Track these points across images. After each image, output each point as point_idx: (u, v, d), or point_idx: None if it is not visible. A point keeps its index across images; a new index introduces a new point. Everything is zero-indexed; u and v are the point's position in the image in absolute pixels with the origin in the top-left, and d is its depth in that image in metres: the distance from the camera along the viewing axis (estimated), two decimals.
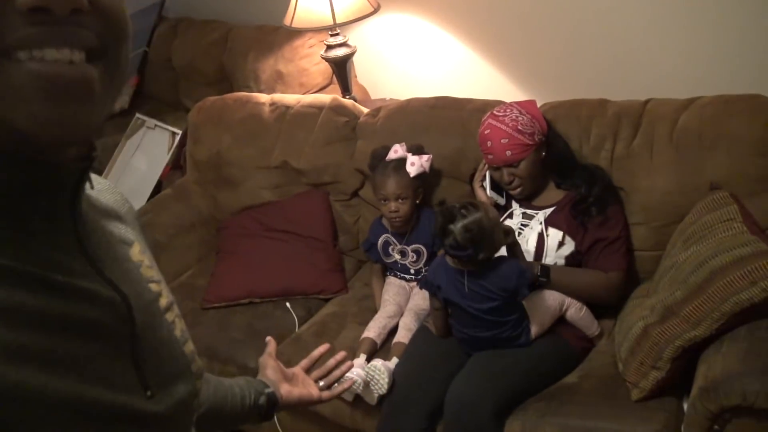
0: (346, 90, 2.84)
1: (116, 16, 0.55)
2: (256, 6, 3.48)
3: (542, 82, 2.56)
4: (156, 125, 3.21)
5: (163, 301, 0.72)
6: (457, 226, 1.67)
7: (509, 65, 2.66)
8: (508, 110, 1.95)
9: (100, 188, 0.74)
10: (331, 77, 3.19)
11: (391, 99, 3.05)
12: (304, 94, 3.16)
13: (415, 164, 2.07)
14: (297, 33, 3.01)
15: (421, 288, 1.84)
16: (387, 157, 2.10)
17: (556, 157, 1.98)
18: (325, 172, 2.38)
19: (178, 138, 3.02)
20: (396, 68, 3.04)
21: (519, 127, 1.90)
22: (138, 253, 0.71)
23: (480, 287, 1.74)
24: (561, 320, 1.88)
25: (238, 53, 3.25)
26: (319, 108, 2.42)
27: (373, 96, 3.21)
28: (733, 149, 1.83)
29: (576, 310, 1.88)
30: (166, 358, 0.68)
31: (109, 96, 0.56)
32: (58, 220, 0.59)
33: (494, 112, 1.97)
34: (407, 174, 2.07)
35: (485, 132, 1.95)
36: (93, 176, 0.71)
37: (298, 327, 2.14)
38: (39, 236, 0.56)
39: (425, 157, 2.09)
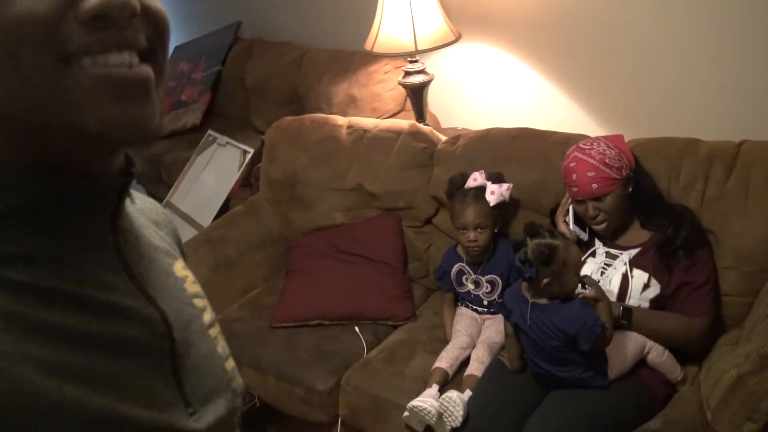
0: (420, 117, 2.83)
1: (161, 17, 0.57)
2: (331, 31, 3.53)
3: (624, 118, 2.51)
4: (228, 142, 3.25)
5: (207, 317, 0.71)
6: (533, 242, 1.65)
7: (588, 99, 2.62)
8: (595, 144, 1.91)
9: (144, 206, 0.75)
10: (404, 104, 3.20)
11: (462, 129, 3.04)
12: (376, 119, 3.18)
13: (495, 193, 2.04)
14: (372, 58, 3.03)
15: (505, 318, 1.81)
16: (466, 185, 2.07)
17: (643, 194, 1.92)
18: (400, 197, 2.36)
19: (249, 156, 3.05)
20: (468, 98, 3.03)
21: (606, 161, 1.86)
22: (182, 268, 0.71)
23: (540, 322, 1.69)
24: (642, 363, 1.81)
25: (313, 75, 3.29)
26: (397, 133, 2.41)
27: (444, 125, 3.20)
28: None
29: (658, 354, 1.81)
30: (208, 375, 0.67)
31: (159, 94, 0.57)
32: (100, 235, 0.59)
33: (580, 145, 1.93)
34: (487, 203, 2.04)
35: (570, 165, 1.91)
36: (137, 194, 0.71)
37: (367, 352, 2.11)
38: (80, 252, 0.56)
39: (505, 185, 2.05)
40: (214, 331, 0.72)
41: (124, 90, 0.53)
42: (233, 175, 3.08)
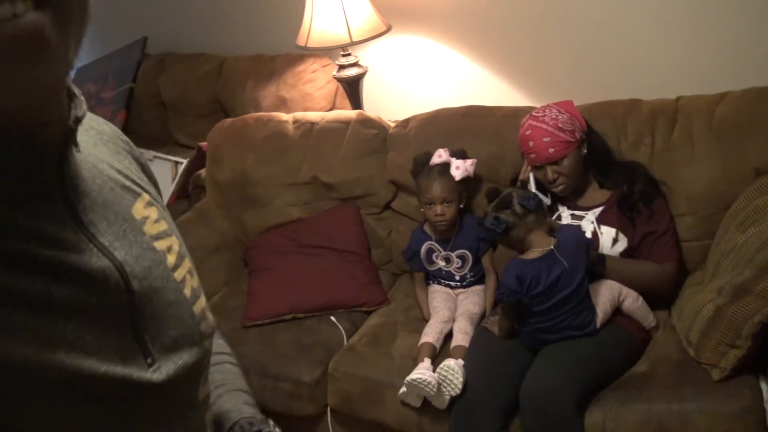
0: (357, 109, 2.84)
1: None
2: (245, 38, 3.50)
3: (555, 90, 2.62)
4: (155, 156, 3.14)
5: (172, 259, 0.66)
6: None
7: (517, 76, 2.71)
8: (547, 111, 1.99)
9: (102, 130, 0.69)
10: (334, 101, 3.21)
11: (396, 120, 3.07)
12: None
13: (460, 168, 2.08)
14: (297, 59, 3.03)
15: (502, 301, 1.83)
16: (431, 162, 2.10)
17: (597, 154, 2.02)
18: (357, 185, 2.36)
19: (182, 166, 2.96)
20: (397, 90, 3.07)
21: (559, 125, 1.94)
22: (143, 207, 0.66)
23: (570, 257, 1.78)
24: (619, 312, 1.89)
25: (235, 83, 3.25)
26: (345, 122, 2.41)
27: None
28: None
29: (633, 300, 1.90)
30: (172, 322, 0.63)
31: (69, 42, 0.48)
32: (45, 188, 0.54)
33: (533, 113, 2.01)
34: (452, 178, 2.08)
35: (526, 133, 1.98)
36: (94, 117, 0.68)
37: (347, 339, 2.09)
38: (25, 208, 0.52)
39: (469, 161, 2.10)
40: (181, 272, 0.67)
41: (6, 50, 0.42)
42: (167, 189, 2.97)
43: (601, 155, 2.02)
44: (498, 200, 1.84)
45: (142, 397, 0.58)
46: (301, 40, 2.67)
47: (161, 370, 0.60)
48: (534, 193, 1.91)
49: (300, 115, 2.51)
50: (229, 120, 2.57)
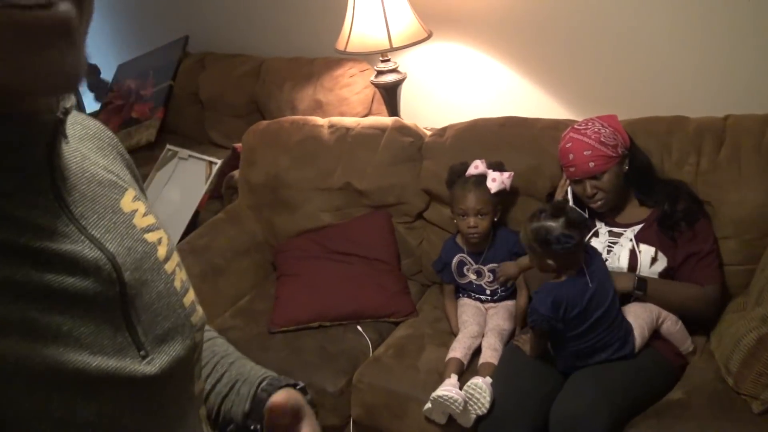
0: (394, 116, 2.81)
1: None
2: (285, 40, 3.50)
3: (598, 104, 2.56)
4: (190, 155, 3.14)
5: (162, 251, 0.66)
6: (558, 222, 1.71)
7: (560, 88, 2.65)
8: (590, 124, 1.93)
9: (87, 124, 0.70)
10: (370, 106, 3.18)
11: (432, 128, 3.03)
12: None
13: (496, 180, 2.03)
14: (335, 63, 3.01)
15: (534, 328, 1.76)
16: (467, 173, 2.06)
17: (639, 171, 1.96)
18: (390, 193, 2.32)
19: (216, 167, 2.96)
20: (437, 97, 3.03)
21: (602, 139, 1.88)
22: (130, 201, 0.66)
23: (601, 273, 1.73)
24: (656, 335, 1.83)
25: (274, 84, 3.24)
26: (381, 129, 2.38)
27: None
28: None
29: (672, 323, 1.83)
30: (164, 314, 0.63)
31: (85, 29, 0.51)
32: (35, 178, 0.54)
33: (575, 126, 1.95)
34: (488, 190, 2.03)
35: (566, 146, 1.93)
36: (79, 114, 0.68)
37: (372, 350, 2.05)
38: (15, 198, 0.52)
39: (506, 174, 2.05)
40: (171, 265, 0.67)
41: (37, 36, 0.45)
42: (200, 188, 2.97)
43: (643, 172, 1.95)
44: (554, 210, 1.74)
45: (137, 390, 0.58)
46: (340, 45, 2.65)
47: (154, 363, 0.59)
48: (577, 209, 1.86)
49: (336, 119, 2.49)
50: (264, 122, 2.55)
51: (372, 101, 3.16)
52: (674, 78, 2.31)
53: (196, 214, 2.92)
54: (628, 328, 1.74)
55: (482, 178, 2.04)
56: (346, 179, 2.35)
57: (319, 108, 3.13)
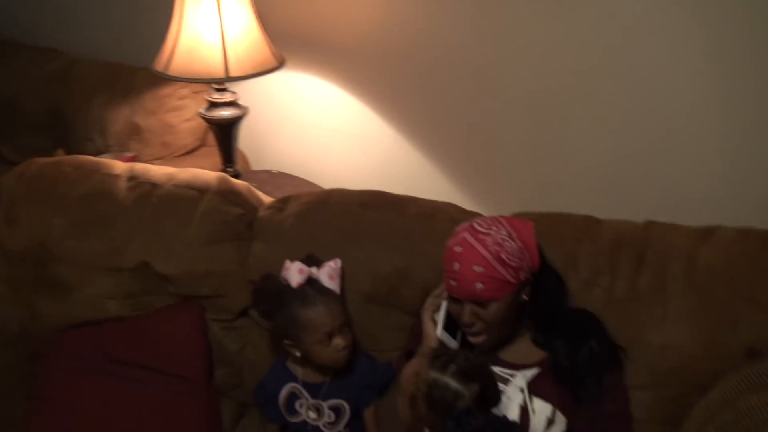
0: (228, 161, 2.20)
1: None
2: (108, 38, 2.81)
3: (490, 179, 2.09)
4: None
5: None
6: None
7: (439, 155, 2.18)
8: (494, 228, 1.37)
9: None
10: (204, 137, 2.57)
11: (279, 172, 2.47)
12: (167, 156, 2.48)
13: (334, 277, 1.50)
14: (164, 79, 2.32)
15: None
16: (294, 283, 1.48)
17: (541, 303, 1.45)
18: (204, 281, 1.69)
19: None
20: (285, 135, 2.49)
21: (503, 256, 1.34)
22: None
23: None
24: None
25: (82, 94, 2.58)
26: (200, 190, 1.74)
27: (255, 167, 2.63)
28: None
29: None
30: None
31: None
32: None
33: (475, 225, 1.38)
34: (334, 293, 1.48)
35: (455, 249, 1.36)
36: None
37: None
38: None
39: (332, 263, 1.53)
40: None
41: None
42: None
43: (546, 305, 1.45)
44: (467, 367, 1.23)
45: None
46: (159, 65, 2.00)
47: None
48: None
49: (140, 169, 1.82)
50: (39, 161, 1.83)
51: (206, 132, 2.53)
52: (631, 175, 1.90)
53: None
54: None
55: (315, 282, 1.49)
56: (144, 257, 1.69)
57: (135, 134, 2.46)
